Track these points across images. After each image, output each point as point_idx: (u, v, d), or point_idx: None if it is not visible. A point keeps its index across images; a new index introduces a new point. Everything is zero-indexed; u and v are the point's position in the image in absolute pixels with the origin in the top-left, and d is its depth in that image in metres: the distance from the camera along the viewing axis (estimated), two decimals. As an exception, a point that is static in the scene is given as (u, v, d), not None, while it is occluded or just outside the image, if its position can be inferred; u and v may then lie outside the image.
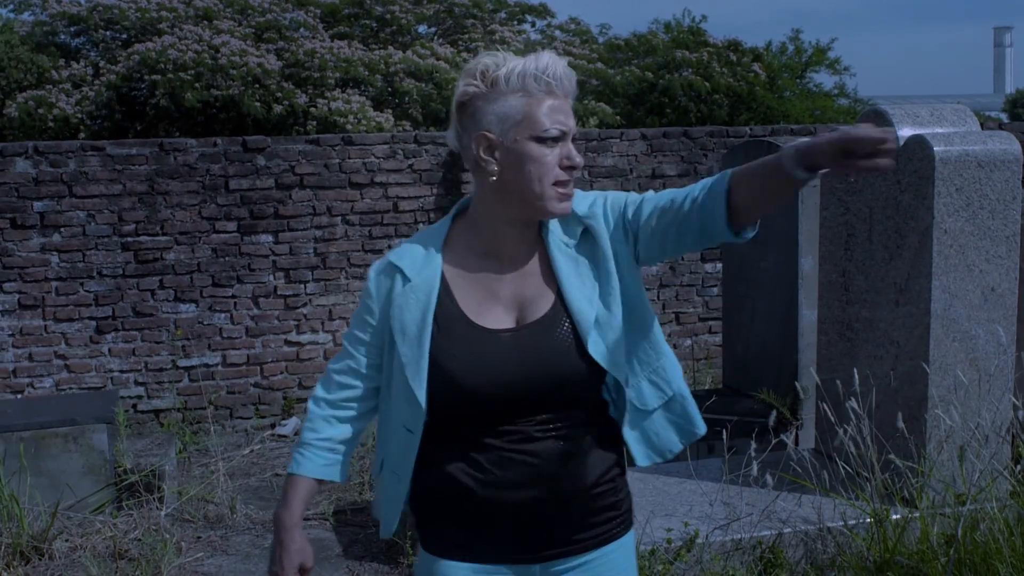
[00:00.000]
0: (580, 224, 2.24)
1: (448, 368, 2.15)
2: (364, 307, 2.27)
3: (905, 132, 4.32)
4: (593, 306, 2.19)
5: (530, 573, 2.25)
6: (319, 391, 2.32)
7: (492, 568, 2.23)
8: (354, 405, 2.30)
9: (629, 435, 2.28)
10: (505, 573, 2.24)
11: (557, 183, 2.15)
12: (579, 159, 2.17)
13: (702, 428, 2.35)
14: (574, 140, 2.19)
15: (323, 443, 2.28)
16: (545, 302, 2.20)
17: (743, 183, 2.09)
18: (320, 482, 2.29)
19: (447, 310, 2.19)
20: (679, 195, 2.20)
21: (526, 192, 2.16)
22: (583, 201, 2.26)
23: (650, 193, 2.26)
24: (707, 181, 2.18)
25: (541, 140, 2.13)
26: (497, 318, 2.20)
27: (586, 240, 2.24)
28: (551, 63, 2.14)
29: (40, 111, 14.00)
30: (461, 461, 2.19)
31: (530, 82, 2.13)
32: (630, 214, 2.23)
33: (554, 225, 2.25)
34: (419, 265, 2.23)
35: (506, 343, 2.17)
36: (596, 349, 2.17)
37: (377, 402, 2.32)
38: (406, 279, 2.22)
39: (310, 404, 2.33)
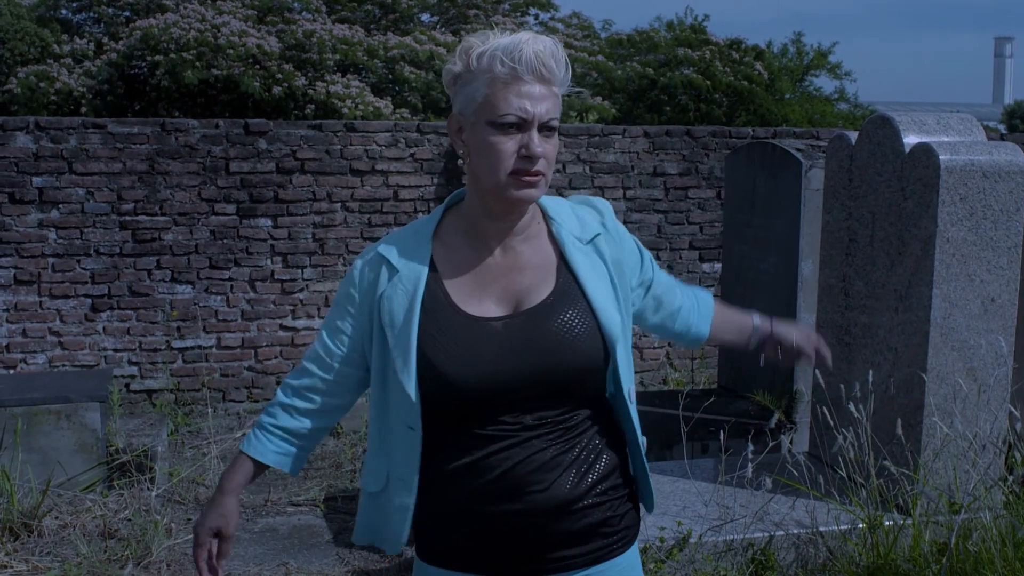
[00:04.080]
0: (598, 230, 2.18)
1: (435, 357, 2.04)
2: (345, 295, 2.18)
3: (911, 139, 4.32)
4: (615, 308, 2.14)
5: None
6: (288, 377, 2.25)
7: None
8: (316, 397, 2.21)
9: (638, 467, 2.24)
10: None
11: (515, 172, 2.02)
12: (538, 149, 2.01)
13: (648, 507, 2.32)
14: (545, 129, 2.04)
15: (277, 431, 2.21)
16: (544, 289, 2.09)
17: (720, 329, 2.49)
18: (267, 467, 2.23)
19: (435, 297, 2.08)
20: (675, 301, 2.39)
21: (485, 180, 2.05)
22: (611, 217, 2.25)
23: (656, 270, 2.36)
24: (694, 308, 2.44)
25: (497, 126, 2.01)
26: (487, 307, 2.09)
27: (599, 245, 2.17)
28: (522, 43, 2.00)
29: (42, 85, 13.95)
30: (452, 464, 2.09)
31: (496, 64, 2.00)
32: (648, 273, 2.31)
33: (562, 216, 2.16)
34: (407, 255, 2.13)
35: (496, 332, 2.06)
36: (620, 352, 2.13)
37: (344, 398, 2.23)
38: (393, 270, 2.12)
39: (278, 389, 2.25)
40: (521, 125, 2.01)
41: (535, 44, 2.01)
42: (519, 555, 2.11)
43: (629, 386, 2.16)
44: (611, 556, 2.17)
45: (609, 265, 2.16)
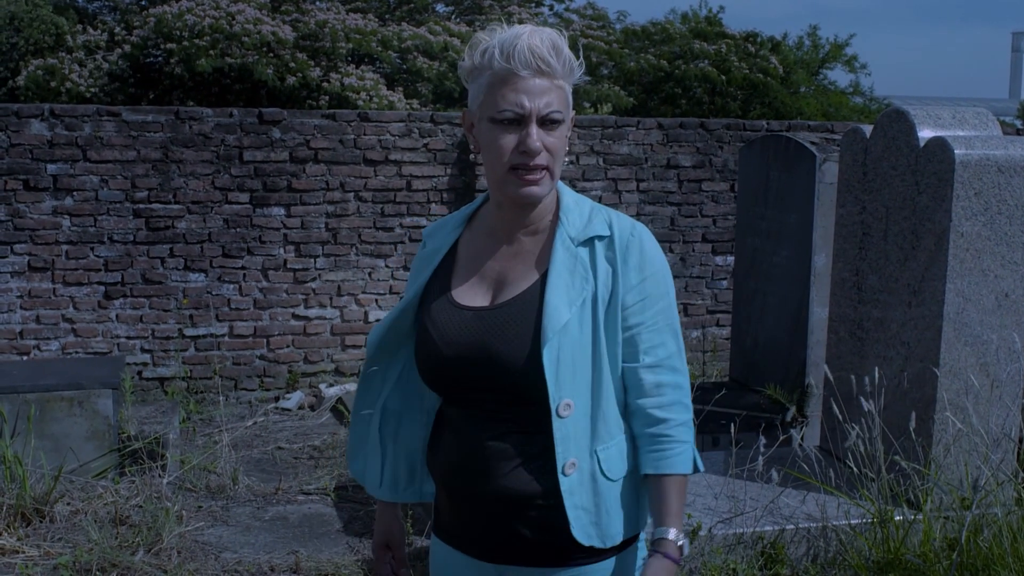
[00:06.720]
0: (601, 233, 2.09)
1: (421, 336, 2.15)
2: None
3: (926, 133, 4.30)
4: (571, 310, 2.04)
5: (487, 573, 2.16)
6: None
7: (467, 560, 2.17)
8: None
9: (568, 493, 2.05)
10: (480, 568, 2.16)
11: (515, 168, 2.03)
12: (536, 144, 2.00)
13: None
14: (547, 123, 2.02)
15: None
16: (521, 285, 2.09)
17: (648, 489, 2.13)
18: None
19: (438, 280, 2.18)
20: (634, 392, 2.12)
21: (489, 175, 2.08)
22: (622, 226, 2.12)
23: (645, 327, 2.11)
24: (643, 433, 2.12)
25: (497, 122, 2.02)
26: (475, 295, 2.12)
27: (594, 248, 2.09)
28: (518, 38, 1.99)
29: (52, 83, 13.93)
30: (437, 440, 2.20)
31: (495, 60, 2.00)
32: (632, 300, 2.09)
33: (571, 216, 2.12)
34: (441, 235, 2.23)
35: (467, 321, 2.09)
36: (549, 352, 2.00)
37: None
38: (426, 247, 2.25)
39: None
40: (519, 121, 2.01)
41: (531, 38, 2.00)
42: (492, 540, 2.12)
43: (563, 399, 2.02)
44: (570, 565, 2.10)
45: (599, 271, 2.07)
